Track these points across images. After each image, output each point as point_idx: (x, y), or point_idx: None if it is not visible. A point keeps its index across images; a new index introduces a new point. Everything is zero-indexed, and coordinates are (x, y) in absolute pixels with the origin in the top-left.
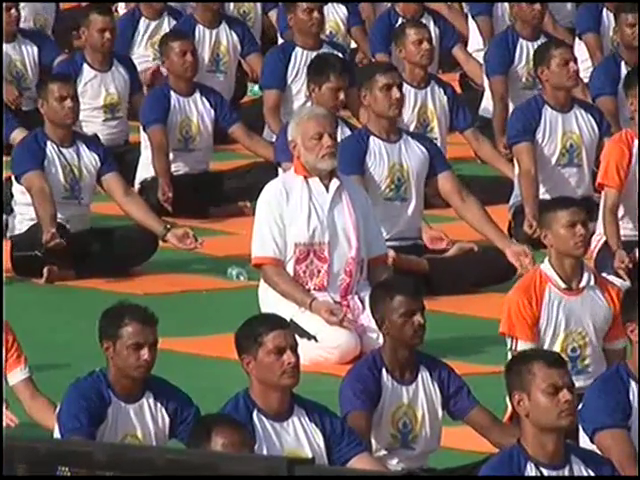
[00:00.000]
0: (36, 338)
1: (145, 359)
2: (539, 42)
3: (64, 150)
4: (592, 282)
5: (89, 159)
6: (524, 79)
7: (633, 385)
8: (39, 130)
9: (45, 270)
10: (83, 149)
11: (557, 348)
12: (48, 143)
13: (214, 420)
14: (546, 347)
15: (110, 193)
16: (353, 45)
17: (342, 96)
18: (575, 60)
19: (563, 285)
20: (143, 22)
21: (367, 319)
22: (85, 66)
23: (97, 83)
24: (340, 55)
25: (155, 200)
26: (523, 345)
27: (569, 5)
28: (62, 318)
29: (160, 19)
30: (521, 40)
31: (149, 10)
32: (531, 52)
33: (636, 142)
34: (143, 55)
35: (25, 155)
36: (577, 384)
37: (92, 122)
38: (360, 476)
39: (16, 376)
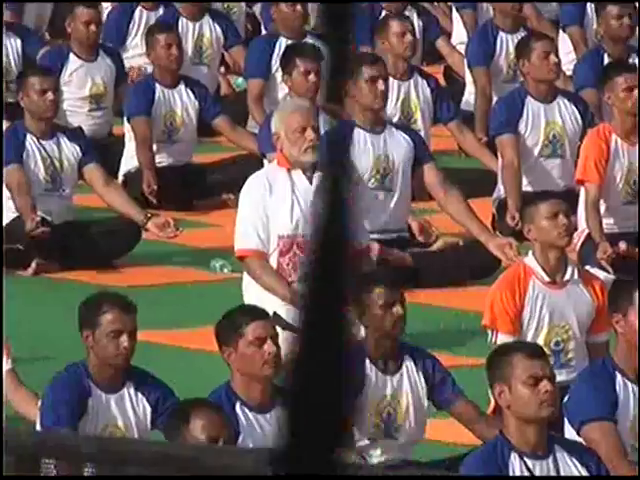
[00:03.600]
0: (20, 330)
1: (124, 346)
2: (519, 35)
3: (44, 142)
4: (576, 276)
5: (70, 150)
6: (505, 72)
7: (619, 377)
8: (18, 123)
9: (34, 263)
10: (64, 141)
11: (540, 342)
12: (28, 136)
13: (192, 403)
14: (529, 341)
15: (90, 184)
16: None
17: (314, 79)
18: (556, 53)
19: (547, 279)
20: (138, 13)
21: None
22: (71, 55)
23: (83, 72)
24: (317, 44)
25: (139, 192)
26: (503, 338)
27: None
28: (46, 311)
29: (156, 11)
30: (501, 33)
31: (146, 1)
32: (511, 45)
33: (614, 137)
34: (137, 46)
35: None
36: (560, 378)
37: (77, 112)
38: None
39: None
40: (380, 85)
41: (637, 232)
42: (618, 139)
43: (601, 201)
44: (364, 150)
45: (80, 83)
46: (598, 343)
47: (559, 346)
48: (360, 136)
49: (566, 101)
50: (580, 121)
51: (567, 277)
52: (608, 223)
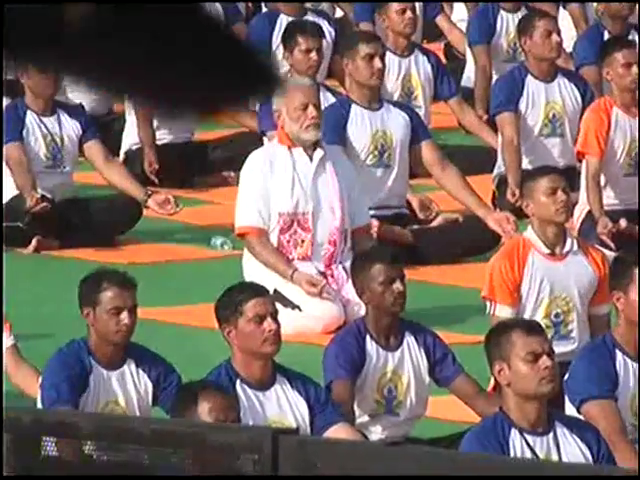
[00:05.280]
0: (20, 308)
1: (125, 323)
2: (519, 14)
3: (45, 119)
4: (576, 247)
5: (71, 127)
6: (504, 51)
7: (619, 355)
8: (19, 100)
9: (34, 241)
10: (65, 117)
11: (541, 314)
12: (28, 113)
13: (199, 386)
14: (530, 313)
15: (91, 160)
16: (339, 13)
17: (315, 57)
18: (558, 31)
19: (546, 250)
20: None
21: (351, 289)
22: None
23: None
24: (319, 21)
25: (140, 170)
26: (502, 309)
27: None
28: (46, 288)
29: None
30: (502, 12)
31: None
32: (511, 24)
33: (615, 109)
34: None
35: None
36: (560, 349)
37: (77, 88)
38: (346, 445)
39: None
40: (377, 63)
41: (637, 207)
42: (619, 111)
43: (602, 175)
44: (362, 127)
45: None
46: (599, 315)
47: (559, 318)
48: (357, 113)
49: (566, 80)
50: (580, 101)
51: (567, 249)
52: (609, 197)
